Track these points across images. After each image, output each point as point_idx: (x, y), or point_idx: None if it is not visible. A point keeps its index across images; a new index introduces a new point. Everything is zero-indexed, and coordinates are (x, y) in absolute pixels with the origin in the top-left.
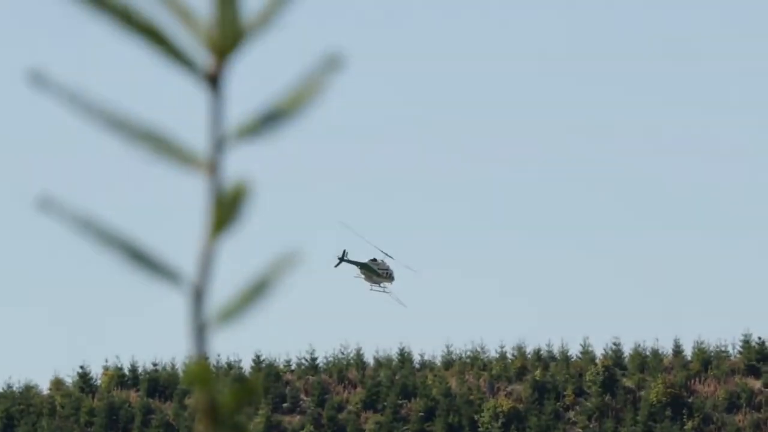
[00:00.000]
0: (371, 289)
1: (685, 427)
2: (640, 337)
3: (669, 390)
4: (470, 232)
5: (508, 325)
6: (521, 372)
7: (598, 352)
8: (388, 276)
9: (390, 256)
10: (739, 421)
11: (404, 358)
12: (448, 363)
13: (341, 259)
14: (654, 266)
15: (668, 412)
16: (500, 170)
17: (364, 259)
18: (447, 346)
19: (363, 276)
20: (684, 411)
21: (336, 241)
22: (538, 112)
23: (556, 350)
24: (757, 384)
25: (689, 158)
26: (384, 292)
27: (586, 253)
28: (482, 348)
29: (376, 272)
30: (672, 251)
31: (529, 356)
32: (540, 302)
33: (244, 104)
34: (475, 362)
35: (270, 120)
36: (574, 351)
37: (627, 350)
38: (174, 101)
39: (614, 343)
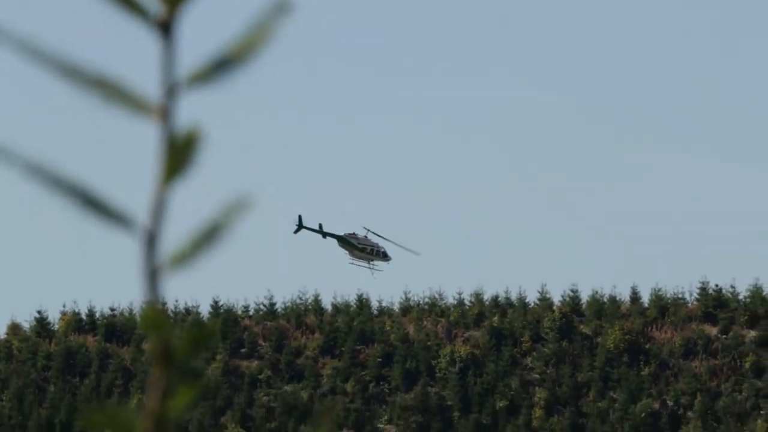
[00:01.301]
0: (350, 263)
1: (642, 373)
2: (597, 284)
3: (626, 336)
4: (425, 184)
5: (466, 272)
6: (479, 318)
7: (556, 299)
8: (377, 253)
9: (380, 236)
10: (696, 367)
11: (362, 304)
12: (406, 309)
13: (300, 226)
14: (611, 214)
15: (625, 359)
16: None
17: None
18: (405, 293)
19: (345, 250)
20: (641, 357)
21: (293, 187)
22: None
23: (513, 297)
24: (713, 331)
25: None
26: (370, 269)
27: (545, 201)
28: (440, 295)
29: (356, 247)
30: (629, 199)
31: (487, 303)
32: (498, 249)
33: (195, 51)
34: (433, 309)
35: (221, 67)
36: (532, 298)
37: (585, 297)
38: (126, 49)
39: (572, 290)
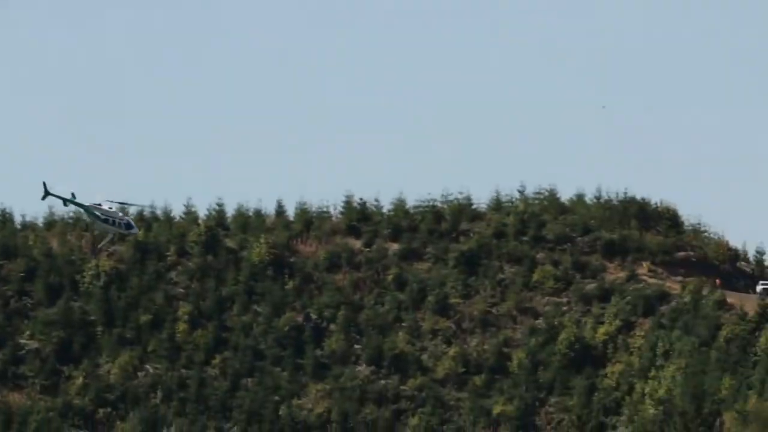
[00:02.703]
0: (97, 233)
1: (287, 287)
2: (243, 198)
3: (271, 250)
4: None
5: (111, 186)
6: (124, 234)
7: (202, 213)
8: (119, 224)
9: (123, 203)
10: (339, 280)
11: (5, 218)
12: (50, 224)
13: (46, 192)
14: (255, 128)
15: (270, 272)
16: None
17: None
18: (50, 207)
19: (91, 220)
20: (286, 270)
21: None
22: None
23: (159, 211)
24: (357, 244)
25: None
26: (105, 238)
27: (186, 112)
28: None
29: (99, 218)
30: (280, 113)
31: (132, 217)
32: (143, 162)
33: None
34: (77, 223)
35: None
36: (178, 212)
37: (230, 211)
38: None
39: (217, 204)
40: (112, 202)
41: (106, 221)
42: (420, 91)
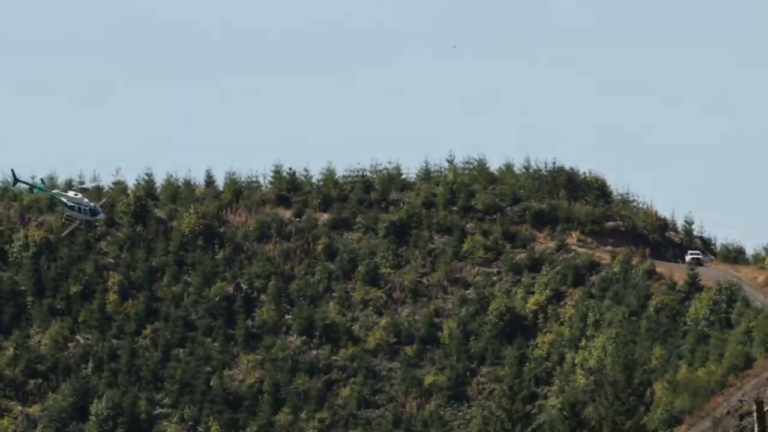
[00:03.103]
0: (65, 219)
1: (216, 257)
2: (172, 168)
3: (201, 220)
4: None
5: (40, 155)
6: (53, 203)
7: (131, 182)
8: (86, 211)
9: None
10: (270, 250)
11: None
12: None
13: (15, 179)
14: (190, 100)
15: (200, 242)
16: None
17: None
18: None
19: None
20: (215, 241)
21: None
22: None
23: (88, 181)
24: (287, 213)
25: None
26: (72, 223)
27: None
28: (12, 179)
29: (67, 205)
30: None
31: (61, 187)
32: (68, 130)
33: None
34: (6, 193)
35: None
36: (106, 182)
37: (159, 181)
38: None
39: (146, 174)
40: (81, 185)
41: (72, 208)
42: (350, 56)
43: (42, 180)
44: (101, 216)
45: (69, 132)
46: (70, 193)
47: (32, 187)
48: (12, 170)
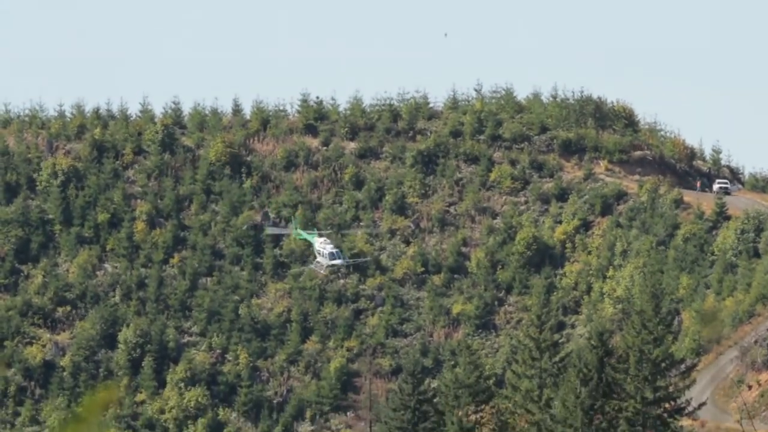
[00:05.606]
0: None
1: (244, 186)
2: (199, 97)
3: (228, 149)
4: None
5: (66, 85)
6: (80, 131)
7: (158, 111)
8: (324, 256)
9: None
10: (297, 179)
11: None
12: (6, 122)
13: (268, 227)
14: (213, 27)
15: (227, 171)
16: None
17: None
18: (5, 105)
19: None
20: (243, 169)
21: None
22: None
23: (115, 109)
24: (314, 143)
25: None
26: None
27: (133, 16)
28: (40, 106)
29: (324, 253)
30: (233, 11)
31: (89, 115)
32: (97, 62)
33: None
34: (33, 121)
35: None
36: (134, 110)
37: (186, 109)
38: None
39: (174, 102)
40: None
41: (319, 253)
42: None
43: (293, 217)
44: (340, 262)
45: (96, 58)
46: (320, 239)
47: (296, 233)
48: (266, 213)
